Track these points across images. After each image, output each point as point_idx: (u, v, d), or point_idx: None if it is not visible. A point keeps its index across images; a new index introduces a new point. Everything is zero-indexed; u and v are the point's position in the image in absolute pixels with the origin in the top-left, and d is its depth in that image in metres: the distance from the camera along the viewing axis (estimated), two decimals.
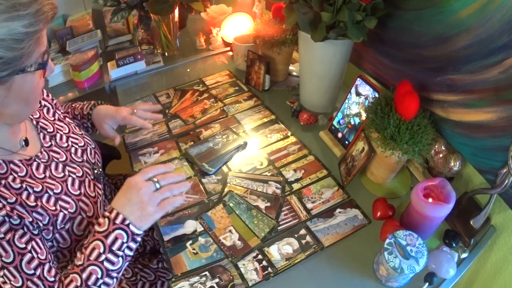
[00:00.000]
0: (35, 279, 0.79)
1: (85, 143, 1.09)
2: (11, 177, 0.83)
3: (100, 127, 1.25)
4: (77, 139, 1.08)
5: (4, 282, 0.76)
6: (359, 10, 1.05)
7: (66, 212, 0.89)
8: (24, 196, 0.83)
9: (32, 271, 0.79)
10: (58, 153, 0.99)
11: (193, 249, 1.00)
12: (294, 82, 1.61)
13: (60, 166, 0.96)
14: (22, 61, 0.73)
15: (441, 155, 1.04)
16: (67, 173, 0.96)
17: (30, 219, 0.81)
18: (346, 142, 1.24)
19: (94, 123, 1.27)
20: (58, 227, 0.88)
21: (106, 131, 1.25)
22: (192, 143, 1.31)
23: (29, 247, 0.79)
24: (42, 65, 0.79)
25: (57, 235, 0.89)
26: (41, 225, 0.84)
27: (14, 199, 0.79)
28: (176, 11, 1.71)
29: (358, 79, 1.20)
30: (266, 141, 1.32)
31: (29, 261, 0.78)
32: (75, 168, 0.99)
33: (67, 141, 1.04)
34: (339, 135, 1.27)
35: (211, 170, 1.20)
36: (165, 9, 1.58)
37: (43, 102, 1.08)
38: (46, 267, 0.81)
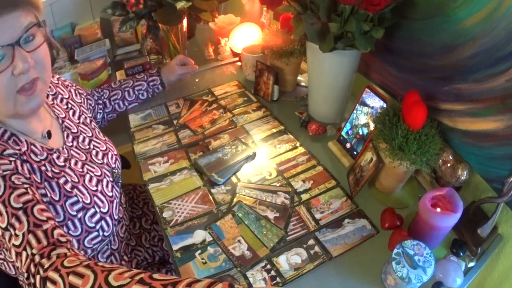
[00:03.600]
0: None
1: (107, 148, 1.12)
2: (26, 155, 0.84)
3: (174, 72, 1.55)
4: (99, 143, 1.10)
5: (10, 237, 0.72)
6: (366, 21, 1.06)
7: (80, 199, 0.90)
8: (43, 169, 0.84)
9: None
10: (78, 154, 1.00)
11: (202, 258, 1.01)
12: (302, 93, 1.62)
13: (80, 163, 0.97)
14: None
15: (448, 165, 1.04)
16: (85, 170, 0.97)
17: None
18: (355, 153, 1.24)
19: (164, 76, 1.54)
20: (68, 210, 0.88)
21: (179, 73, 1.56)
22: (201, 153, 1.32)
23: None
24: None
25: (69, 223, 0.88)
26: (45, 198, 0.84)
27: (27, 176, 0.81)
28: (185, 21, 1.73)
29: (366, 89, 1.21)
30: (275, 152, 1.32)
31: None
32: (94, 168, 1.00)
33: (89, 144, 1.06)
34: (348, 145, 1.27)
35: (220, 181, 1.20)
36: (174, 19, 1.60)
37: (69, 105, 1.10)
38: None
